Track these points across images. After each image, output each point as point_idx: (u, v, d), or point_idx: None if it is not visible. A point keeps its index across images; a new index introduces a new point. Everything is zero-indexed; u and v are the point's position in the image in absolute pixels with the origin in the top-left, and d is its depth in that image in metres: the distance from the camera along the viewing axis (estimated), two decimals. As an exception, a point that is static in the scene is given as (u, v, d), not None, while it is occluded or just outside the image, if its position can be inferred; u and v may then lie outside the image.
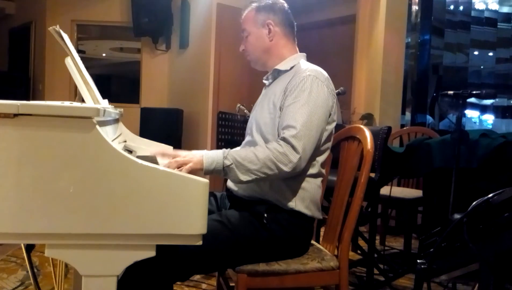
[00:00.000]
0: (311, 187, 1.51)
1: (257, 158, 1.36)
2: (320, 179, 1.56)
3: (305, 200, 1.50)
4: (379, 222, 3.25)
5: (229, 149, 1.43)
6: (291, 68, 1.60)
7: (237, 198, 1.58)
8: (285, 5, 1.68)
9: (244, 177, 1.37)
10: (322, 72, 1.54)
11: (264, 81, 1.71)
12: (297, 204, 1.49)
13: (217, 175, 1.42)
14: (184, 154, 1.69)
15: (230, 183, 1.62)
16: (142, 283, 1.28)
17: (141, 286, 1.28)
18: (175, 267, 1.33)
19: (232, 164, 1.36)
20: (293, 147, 1.36)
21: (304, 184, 1.50)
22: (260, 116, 1.58)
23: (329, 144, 1.56)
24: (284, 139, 1.38)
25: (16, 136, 1.06)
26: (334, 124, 1.55)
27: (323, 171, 1.57)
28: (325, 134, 1.51)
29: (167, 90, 5.45)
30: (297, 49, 1.68)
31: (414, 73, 4.24)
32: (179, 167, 1.34)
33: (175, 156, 1.65)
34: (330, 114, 1.51)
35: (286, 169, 1.36)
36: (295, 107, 1.43)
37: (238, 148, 1.80)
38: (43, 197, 1.07)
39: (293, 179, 1.47)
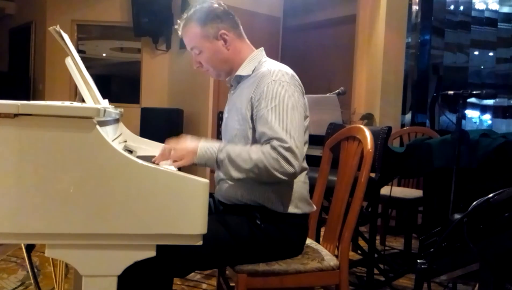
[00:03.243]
0: (297, 186, 1.50)
1: (250, 158, 1.35)
2: (304, 174, 1.54)
3: (293, 200, 1.50)
4: (379, 222, 3.25)
5: (225, 142, 1.44)
6: (253, 71, 1.54)
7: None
8: (222, 4, 1.59)
9: (235, 174, 1.37)
10: (285, 72, 1.48)
11: (228, 85, 1.66)
12: (285, 207, 1.48)
13: (210, 166, 1.43)
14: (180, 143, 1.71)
15: (217, 194, 1.61)
16: (142, 278, 1.28)
17: (141, 281, 1.29)
18: (174, 263, 1.34)
19: (225, 159, 1.37)
20: (285, 159, 1.33)
21: (289, 185, 1.48)
22: (231, 126, 1.54)
23: (307, 137, 1.53)
24: (275, 149, 1.34)
25: (17, 136, 1.06)
26: (308, 120, 1.53)
27: (305, 165, 1.54)
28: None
29: (167, 90, 5.45)
30: (251, 45, 1.62)
31: (414, 73, 4.24)
32: (174, 160, 1.37)
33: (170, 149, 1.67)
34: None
35: (278, 174, 1.34)
36: (270, 118, 1.38)
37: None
38: (43, 197, 1.07)
39: (278, 184, 1.45)
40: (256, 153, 1.35)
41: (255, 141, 1.47)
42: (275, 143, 1.35)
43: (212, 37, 1.53)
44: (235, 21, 1.58)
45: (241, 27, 1.60)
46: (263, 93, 1.42)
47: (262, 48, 1.62)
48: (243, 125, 1.48)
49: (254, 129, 1.46)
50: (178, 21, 1.58)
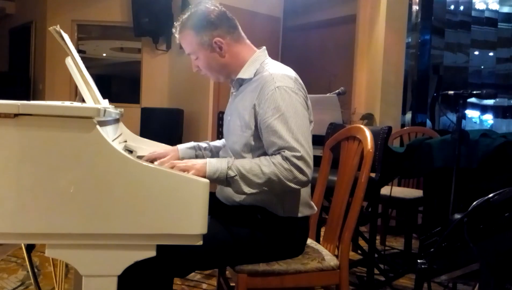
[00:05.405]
0: (298, 189, 1.48)
1: (263, 172, 1.32)
2: None
3: (295, 204, 1.50)
4: (379, 222, 3.25)
5: (233, 158, 1.40)
6: (255, 74, 1.51)
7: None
8: (217, 6, 1.53)
9: (248, 190, 1.33)
10: (288, 76, 1.44)
11: (230, 86, 1.64)
12: (286, 211, 1.48)
13: (220, 184, 1.41)
14: (167, 153, 1.67)
15: (218, 195, 1.59)
16: (142, 278, 1.28)
17: (141, 281, 1.29)
18: (174, 263, 1.34)
19: (236, 175, 1.32)
20: (298, 168, 1.32)
21: (291, 191, 1.44)
22: (233, 132, 1.51)
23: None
24: (287, 159, 1.32)
25: (17, 136, 1.06)
26: (312, 124, 1.51)
27: None
28: None
29: (167, 90, 5.45)
30: (252, 45, 1.58)
31: (414, 73, 4.24)
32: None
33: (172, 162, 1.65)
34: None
35: (292, 185, 1.33)
36: (278, 127, 1.35)
37: (202, 144, 1.78)
38: (43, 197, 1.07)
39: None
40: (268, 167, 1.32)
41: (256, 147, 1.45)
42: (286, 153, 1.33)
43: (207, 45, 1.49)
44: (231, 25, 1.53)
45: (239, 28, 1.55)
46: (267, 101, 1.39)
47: (264, 47, 1.58)
48: (245, 132, 1.46)
49: (257, 137, 1.44)
50: (175, 23, 1.55)
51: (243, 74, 1.53)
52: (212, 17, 1.49)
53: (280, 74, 1.44)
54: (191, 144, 1.78)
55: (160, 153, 1.68)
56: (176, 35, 1.56)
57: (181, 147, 1.75)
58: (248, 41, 1.58)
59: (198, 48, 1.51)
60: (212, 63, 1.53)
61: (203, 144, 1.78)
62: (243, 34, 1.57)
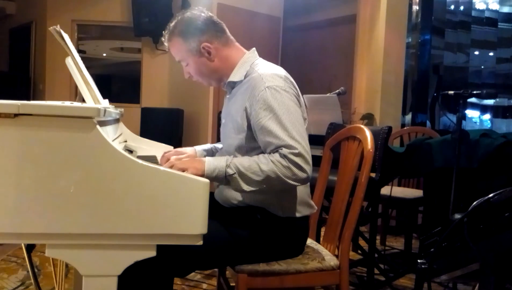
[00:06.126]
0: (297, 190, 1.49)
1: (261, 170, 1.32)
2: None
3: (294, 204, 1.50)
4: (379, 222, 3.25)
5: (231, 156, 1.40)
6: (245, 76, 1.51)
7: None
8: (204, 12, 1.54)
9: (247, 187, 1.34)
10: (277, 74, 1.44)
11: (224, 89, 1.64)
12: (285, 211, 1.48)
13: (219, 182, 1.41)
14: (185, 151, 1.67)
15: (216, 197, 1.59)
16: (142, 278, 1.28)
17: (141, 281, 1.29)
18: (175, 263, 1.34)
19: (235, 173, 1.33)
20: (297, 165, 1.32)
21: (290, 190, 1.46)
22: (228, 134, 1.52)
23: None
24: (285, 157, 1.32)
25: (17, 136, 1.06)
26: (306, 121, 1.51)
27: None
28: None
29: (167, 90, 5.45)
30: (241, 47, 1.58)
31: (414, 73, 4.24)
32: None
33: (176, 153, 1.66)
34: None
35: (291, 182, 1.33)
36: (273, 127, 1.35)
37: (218, 145, 1.80)
38: (43, 197, 1.07)
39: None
40: (266, 164, 1.32)
41: (251, 149, 1.45)
42: (284, 150, 1.32)
43: (195, 51, 1.50)
44: (218, 29, 1.53)
45: (227, 32, 1.56)
46: (258, 102, 1.38)
47: (254, 48, 1.58)
48: (239, 134, 1.46)
49: (251, 138, 1.44)
50: (164, 32, 1.55)
51: (234, 77, 1.53)
52: (199, 23, 1.50)
53: (269, 74, 1.43)
54: (208, 146, 1.79)
55: (177, 151, 1.68)
56: (165, 44, 1.56)
57: (198, 148, 1.76)
58: (237, 44, 1.59)
59: (187, 55, 1.52)
60: (202, 68, 1.54)
61: (219, 145, 1.79)
62: (231, 37, 1.57)
